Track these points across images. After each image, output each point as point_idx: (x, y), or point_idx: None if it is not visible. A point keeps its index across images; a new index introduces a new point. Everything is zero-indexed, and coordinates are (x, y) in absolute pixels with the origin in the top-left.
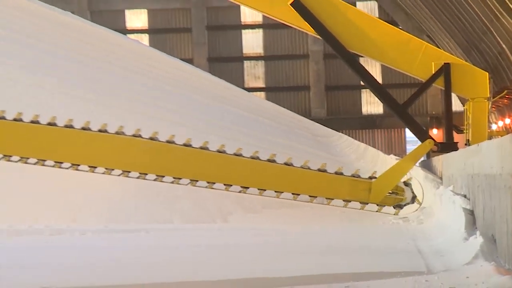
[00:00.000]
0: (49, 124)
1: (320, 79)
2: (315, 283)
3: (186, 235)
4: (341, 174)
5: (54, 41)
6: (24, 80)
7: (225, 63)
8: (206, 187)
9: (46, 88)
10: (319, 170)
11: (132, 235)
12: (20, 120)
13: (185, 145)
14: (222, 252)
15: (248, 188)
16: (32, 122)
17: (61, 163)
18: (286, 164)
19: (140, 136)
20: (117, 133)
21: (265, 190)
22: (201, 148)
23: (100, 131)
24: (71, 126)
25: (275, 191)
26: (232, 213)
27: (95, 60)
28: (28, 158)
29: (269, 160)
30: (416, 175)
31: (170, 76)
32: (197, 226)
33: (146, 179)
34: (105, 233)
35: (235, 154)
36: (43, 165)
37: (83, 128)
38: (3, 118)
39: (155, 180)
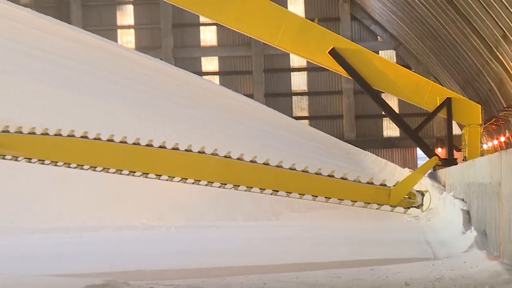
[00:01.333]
0: (160, 147)
1: (350, 109)
2: (348, 267)
3: (247, 230)
4: (368, 183)
5: (146, 81)
6: (127, 113)
7: (278, 97)
8: (264, 193)
9: (142, 117)
10: (354, 181)
11: (206, 230)
12: (138, 144)
13: (251, 161)
14: (276, 243)
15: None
16: (147, 145)
17: (160, 175)
18: (332, 177)
19: (216, 154)
20: (199, 152)
21: (304, 194)
22: (264, 164)
23: (186, 150)
24: (164, 147)
25: (314, 195)
26: (283, 213)
27: (178, 96)
28: (134, 172)
29: (316, 173)
30: (425, 184)
31: (236, 107)
32: (255, 223)
33: (219, 188)
34: (185, 228)
35: (290, 169)
36: (146, 177)
37: (173, 148)
38: (125, 142)
39: (220, 187)
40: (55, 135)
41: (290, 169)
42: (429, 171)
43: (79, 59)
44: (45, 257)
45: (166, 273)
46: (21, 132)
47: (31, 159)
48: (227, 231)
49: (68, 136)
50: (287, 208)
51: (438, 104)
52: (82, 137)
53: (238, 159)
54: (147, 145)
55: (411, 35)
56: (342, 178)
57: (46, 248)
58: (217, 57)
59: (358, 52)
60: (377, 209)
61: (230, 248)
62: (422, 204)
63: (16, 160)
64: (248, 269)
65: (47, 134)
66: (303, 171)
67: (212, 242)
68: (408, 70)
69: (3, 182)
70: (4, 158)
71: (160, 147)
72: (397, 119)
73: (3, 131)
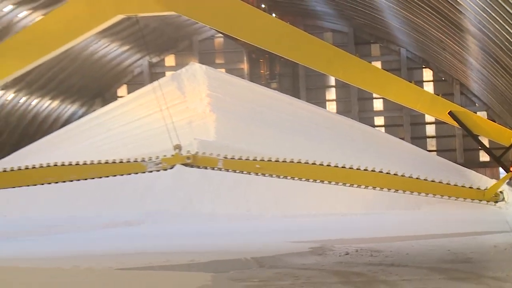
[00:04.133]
0: (350, 168)
1: (461, 146)
2: (458, 236)
3: (400, 216)
4: (474, 188)
5: (343, 131)
6: (326, 145)
7: (418, 139)
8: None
9: (336, 150)
10: (462, 186)
11: (375, 216)
12: (337, 166)
13: (402, 175)
14: (417, 223)
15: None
16: (336, 166)
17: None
18: (450, 184)
19: (381, 171)
20: (364, 169)
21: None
22: (409, 177)
23: (365, 169)
24: (352, 168)
25: (441, 195)
26: (422, 205)
27: (361, 140)
28: (338, 183)
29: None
30: (505, 188)
31: (394, 146)
32: (405, 212)
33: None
34: (365, 215)
35: (425, 179)
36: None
37: (358, 168)
38: (329, 165)
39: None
40: (290, 161)
41: (425, 179)
42: (507, 180)
43: (306, 119)
44: (286, 232)
45: (354, 241)
46: (270, 160)
47: (279, 176)
48: (389, 217)
49: (290, 161)
50: (424, 202)
51: None
52: (305, 162)
53: (394, 174)
54: (343, 167)
55: (495, 102)
56: (455, 185)
57: (286, 226)
58: (383, 117)
59: (465, 113)
60: (476, 202)
61: (392, 225)
62: (504, 199)
63: (263, 175)
64: (400, 238)
65: (285, 161)
66: (432, 180)
67: (382, 223)
68: (494, 122)
69: (265, 190)
70: (264, 176)
71: (350, 168)
72: (487, 150)
73: (269, 161)
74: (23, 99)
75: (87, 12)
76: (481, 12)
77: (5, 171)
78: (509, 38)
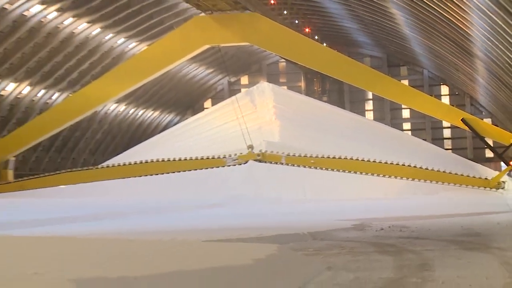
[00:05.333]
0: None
1: (471, 145)
2: (468, 216)
3: (422, 199)
4: (481, 178)
5: (379, 135)
6: (363, 145)
7: (437, 140)
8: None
9: (377, 152)
10: (472, 176)
11: (405, 199)
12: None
13: (431, 169)
14: (436, 206)
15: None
16: (374, 161)
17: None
18: (462, 175)
19: (415, 166)
20: (402, 164)
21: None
22: (434, 170)
23: (403, 164)
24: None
25: (455, 184)
26: (439, 191)
27: (397, 145)
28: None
29: (462, 175)
30: (506, 178)
31: (419, 147)
32: (426, 196)
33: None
34: (398, 199)
35: (450, 172)
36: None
37: (396, 164)
38: (375, 161)
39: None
40: (338, 158)
41: (443, 171)
42: (507, 172)
43: (350, 125)
44: (334, 212)
45: (387, 219)
46: (325, 157)
47: (329, 169)
48: (415, 200)
49: (339, 157)
50: (442, 189)
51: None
52: (350, 158)
53: (419, 167)
54: (379, 162)
55: (498, 111)
56: (466, 176)
57: (334, 207)
58: (410, 123)
59: (474, 120)
60: (483, 189)
61: (417, 207)
62: (504, 186)
63: (320, 169)
64: (423, 217)
65: (336, 157)
66: (448, 172)
67: (409, 205)
68: (497, 127)
69: (319, 180)
70: (318, 169)
71: (385, 162)
72: (492, 149)
73: (321, 157)
74: (132, 110)
75: (181, 43)
76: (486, 41)
77: (124, 164)
78: (509, 61)
